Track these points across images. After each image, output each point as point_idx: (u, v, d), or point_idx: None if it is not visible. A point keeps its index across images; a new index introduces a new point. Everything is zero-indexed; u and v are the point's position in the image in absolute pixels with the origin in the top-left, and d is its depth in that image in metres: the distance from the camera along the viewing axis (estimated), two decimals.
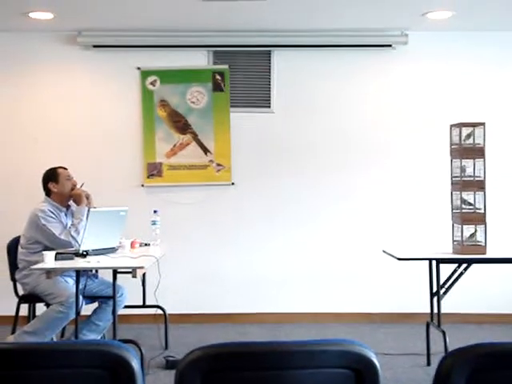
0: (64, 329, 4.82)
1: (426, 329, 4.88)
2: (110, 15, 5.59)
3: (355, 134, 6.18)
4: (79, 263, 4.24)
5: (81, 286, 4.32)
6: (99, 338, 4.74)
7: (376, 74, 6.19)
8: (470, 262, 4.69)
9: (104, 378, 1.74)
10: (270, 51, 6.16)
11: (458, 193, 4.72)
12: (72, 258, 4.31)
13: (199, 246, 6.18)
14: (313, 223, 6.19)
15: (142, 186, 6.16)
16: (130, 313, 5.39)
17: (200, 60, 6.16)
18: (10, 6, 5.27)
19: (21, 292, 4.80)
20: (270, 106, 6.19)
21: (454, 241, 4.75)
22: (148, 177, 6.16)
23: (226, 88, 6.13)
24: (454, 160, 4.79)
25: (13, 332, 4.64)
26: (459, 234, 4.68)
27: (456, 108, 6.04)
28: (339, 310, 6.13)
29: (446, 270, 4.77)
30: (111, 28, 5.95)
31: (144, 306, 5.36)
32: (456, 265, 4.76)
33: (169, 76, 6.14)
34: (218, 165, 6.14)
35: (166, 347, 5.25)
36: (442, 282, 4.73)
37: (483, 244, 4.64)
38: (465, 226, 4.66)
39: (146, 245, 5.06)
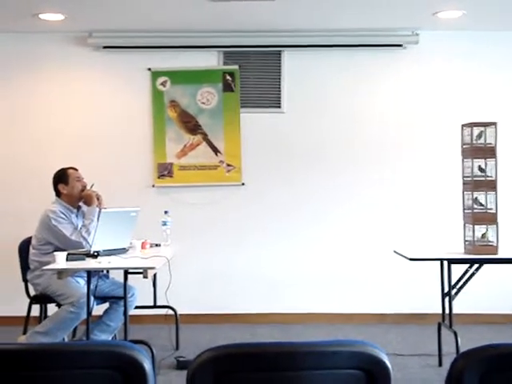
0: (75, 329, 4.84)
1: (437, 329, 4.86)
2: (120, 16, 5.60)
3: (366, 134, 6.17)
4: (90, 264, 4.25)
5: (92, 287, 4.33)
6: (110, 338, 4.75)
7: (387, 74, 6.17)
8: (481, 262, 4.67)
9: (115, 379, 1.74)
10: (280, 51, 6.15)
11: (470, 193, 4.70)
12: (83, 259, 4.33)
13: (210, 246, 6.18)
14: (323, 223, 6.18)
15: (153, 186, 6.17)
16: (141, 313, 5.39)
17: (210, 60, 6.17)
18: (21, 7, 5.29)
19: (32, 292, 4.82)
20: (280, 106, 6.19)
21: (465, 241, 4.73)
22: (158, 177, 6.17)
23: (237, 88, 6.14)
24: (465, 160, 4.77)
25: (24, 332, 4.66)
26: (471, 234, 4.66)
27: (467, 107, 6.02)
28: (350, 310, 6.12)
29: (458, 270, 4.75)
30: (122, 29, 5.96)
31: (155, 306, 5.37)
32: (467, 265, 4.74)
33: (179, 77, 6.15)
34: (228, 165, 6.15)
35: (177, 348, 5.25)
36: (453, 283, 4.71)
37: (495, 244, 4.62)
38: (476, 226, 4.64)
39: (156, 245, 5.07)
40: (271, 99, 6.19)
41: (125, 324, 4.33)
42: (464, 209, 4.78)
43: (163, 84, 6.15)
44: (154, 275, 5.11)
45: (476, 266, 4.73)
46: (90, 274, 4.29)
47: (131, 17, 5.62)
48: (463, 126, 4.80)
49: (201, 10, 5.37)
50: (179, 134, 6.16)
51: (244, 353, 1.75)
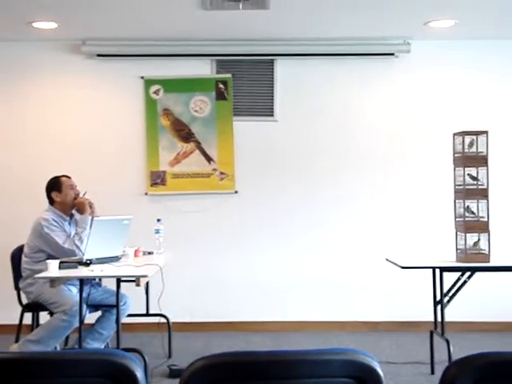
0: (67, 337, 4.83)
1: (429, 337, 4.86)
2: (114, 24, 5.61)
3: (358, 143, 6.19)
4: (83, 272, 4.24)
5: (84, 295, 4.32)
6: (103, 346, 4.74)
7: (378, 83, 6.20)
8: (473, 270, 4.68)
9: None
10: (273, 60, 6.17)
11: (461, 201, 4.72)
12: (76, 267, 4.32)
13: (203, 254, 6.18)
14: (316, 231, 6.18)
15: (146, 194, 6.17)
16: (133, 321, 5.39)
17: (203, 69, 6.18)
18: (14, 16, 5.29)
19: (24, 301, 4.80)
20: (273, 115, 6.20)
21: (457, 249, 4.75)
22: (151, 185, 6.17)
23: (230, 97, 6.15)
24: (457, 168, 4.80)
25: (16, 341, 4.64)
26: (462, 242, 4.67)
27: (459, 116, 6.05)
28: (343, 318, 6.13)
29: (450, 278, 4.76)
30: (115, 37, 5.97)
31: (147, 314, 5.36)
32: (459, 273, 4.76)
33: (172, 85, 6.16)
34: (222, 173, 6.15)
35: (170, 356, 5.24)
36: (445, 291, 4.72)
37: (487, 252, 4.64)
38: (468, 235, 4.65)
39: (149, 253, 5.06)
40: (264, 107, 6.20)
41: (117, 332, 4.32)
42: (456, 217, 4.80)
43: (156, 92, 6.16)
44: (147, 283, 5.10)
45: (468, 274, 4.74)
46: (83, 282, 4.29)
47: (125, 25, 5.63)
48: (455, 134, 4.82)
49: (194, 19, 5.39)
50: (172, 142, 6.16)
51: (237, 361, 1.75)
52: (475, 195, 4.68)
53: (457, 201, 4.79)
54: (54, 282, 4.17)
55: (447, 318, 4.73)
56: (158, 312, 5.21)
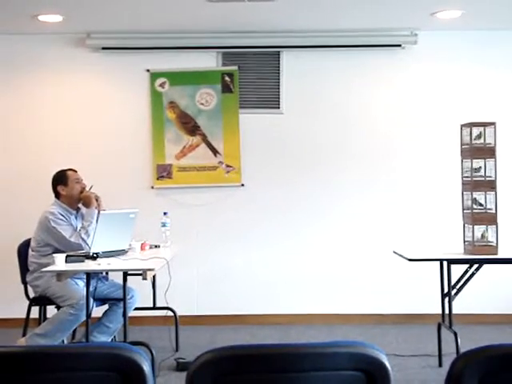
0: (75, 331, 4.83)
1: (437, 330, 4.85)
2: (119, 17, 5.60)
3: (365, 134, 6.16)
4: (90, 265, 4.24)
5: (91, 288, 4.33)
6: (110, 340, 4.74)
7: (385, 74, 6.17)
8: (481, 262, 4.66)
9: (115, 381, 1.74)
10: (278, 52, 6.15)
11: (469, 193, 4.70)
12: (82, 261, 4.32)
13: (209, 247, 6.18)
14: (323, 224, 6.17)
15: (152, 187, 6.17)
16: (140, 315, 5.40)
17: (209, 61, 6.17)
18: (19, 9, 5.29)
19: (32, 294, 4.81)
20: (279, 107, 6.18)
21: (465, 241, 4.73)
22: (158, 178, 6.17)
23: (235, 89, 6.13)
24: (464, 160, 4.77)
25: (24, 334, 4.65)
26: (470, 234, 4.65)
27: (466, 108, 6.01)
28: (350, 311, 6.12)
29: (457, 270, 4.75)
30: (120, 30, 5.96)
31: (154, 307, 5.37)
32: (467, 265, 4.74)
33: (178, 78, 6.15)
34: (228, 166, 6.14)
35: (177, 349, 5.25)
36: (453, 283, 4.71)
37: (494, 244, 4.62)
38: (476, 227, 4.64)
39: (156, 247, 5.07)
40: (270, 100, 6.18)
41: (124, 326, 4.33)
42: (463, 209, 4.78)
43: (162, 85, 6.15)
44: (154, 277, 5.10)
45: (476, 266, 4.73)
46: (90, 275, 4.28)
47: (130, 18, 5.62)
48: (462, 126, 4.80)
49: (199, 11, 5.37)
50: (178, 135, 6.15)
51: (243, 354, 1.75)
52: (483, 187, 4.66)
53: (464, 193, 4.77)
54: (60, 275, 4.17)
55: (455, 311, 4.71)
56: (165, 305, 5.22)
